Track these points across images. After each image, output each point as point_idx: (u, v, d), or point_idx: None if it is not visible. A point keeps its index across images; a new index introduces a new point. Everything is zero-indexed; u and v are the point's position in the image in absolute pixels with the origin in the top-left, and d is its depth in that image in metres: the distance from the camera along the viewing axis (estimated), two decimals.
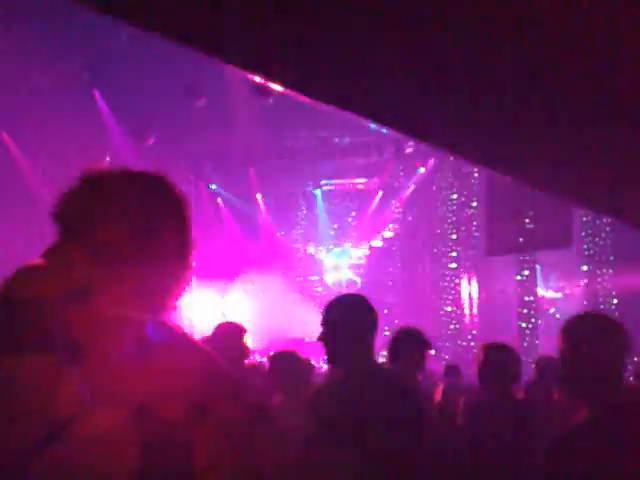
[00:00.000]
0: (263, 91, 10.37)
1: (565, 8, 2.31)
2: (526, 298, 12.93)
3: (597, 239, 12.34)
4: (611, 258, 12.20)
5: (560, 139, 3.67)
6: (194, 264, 1.17)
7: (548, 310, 13.05)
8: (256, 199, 15.19)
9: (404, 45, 2.49)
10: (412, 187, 14.88)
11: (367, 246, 15.71)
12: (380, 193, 15.18)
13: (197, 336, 2.91)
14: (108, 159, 11.11)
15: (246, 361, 3.52)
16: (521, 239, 12.40)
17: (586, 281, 12.44)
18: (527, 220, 12.24)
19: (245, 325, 3.43)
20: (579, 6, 2.28)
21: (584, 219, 12.21)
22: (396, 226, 15.48)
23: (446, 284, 14.31)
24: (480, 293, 13.88)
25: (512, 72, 2.83)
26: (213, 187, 15.00)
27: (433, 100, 3.04)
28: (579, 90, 3.17)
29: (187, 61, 8.07)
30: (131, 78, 9.87)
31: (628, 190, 4.47)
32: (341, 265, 15.67)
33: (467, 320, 13.92)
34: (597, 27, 2.54)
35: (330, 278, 15.52)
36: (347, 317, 2.40)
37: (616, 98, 3.26)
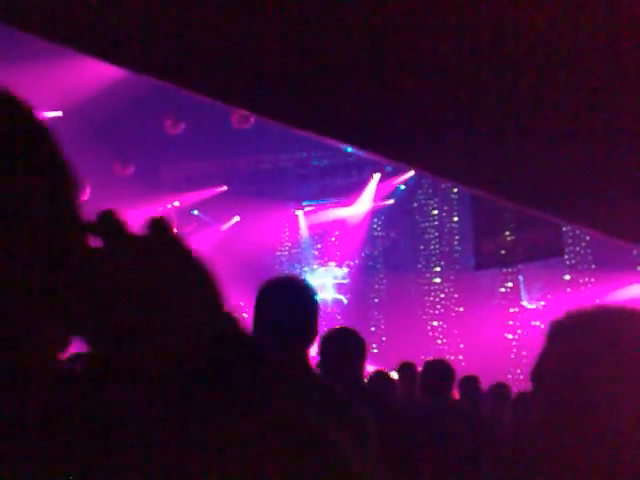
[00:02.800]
0: (241, 118, 10.44)
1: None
2: (511, 310, 13.00)
3: (578, 248, 12.48)
4: (593, 266, 12.34)
5: (533, 150, 3.74)
6: None
7: (533, 321, 13.11)
8: (238, 223, 15.19)
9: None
10: (393, 204, 14.98)
11: (351, 264, 15.74)
12: (361, 208, 15.25)
13: None
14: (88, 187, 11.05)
15: None
16: (509, 251, 12.48)
17: (569, 290, 12.54)
18: (515, 232, 12.33)
19: None
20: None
21: (564, 229, 12.35)
22: (379, 244, 15.53)
23: (431, 299, 14.36)
24: (465, 307, 13.93)
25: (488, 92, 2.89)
26: (195, 213, 14.99)
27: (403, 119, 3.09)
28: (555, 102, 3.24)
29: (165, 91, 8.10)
30: (108, 107, 9.88)
31: (604, 201, 4.54)
32: (326, 285, 15.66)
33: (453, 334, 13.94)
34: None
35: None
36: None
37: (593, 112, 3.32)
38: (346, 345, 2.52)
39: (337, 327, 2.69)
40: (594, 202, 4.68)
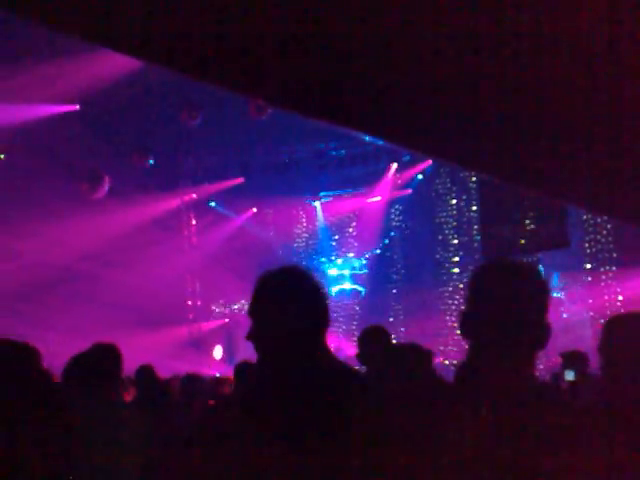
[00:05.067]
0: (258, 108, 10.45)
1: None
2: None
3: (598, 236, 12.34)
4: (614, 255, 12.20)
5: (549, 136, 3.69)
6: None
7: (553, 310, 13.01)
8: (256, 215, 15.23)
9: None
10: (411, 194, 14.90)
11: (369, 255, 15.70)
12: (378, 199, 15.20)
13: None
14: (108, 180, 11.14)
15: None
16: (517, 241, 12.41)
17: (590, 279, 12.42)
18: (524, 222, 12.24)
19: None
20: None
21: (584, 217, 12.22)
22: (397, 234, 15.48)
23: (450, 289, 14.29)
24: None
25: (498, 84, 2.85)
26: (212, 204, 15.04)
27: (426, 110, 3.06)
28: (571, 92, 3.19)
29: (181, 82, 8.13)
30: (126, 99, 9.94)
31: (622, 187, 4.48)
32: (344, 275, 15.66)
33: None
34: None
35: (333, 289, 15.52)
36: None
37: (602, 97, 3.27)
38: None
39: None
40: (613, 187, 4.61)
